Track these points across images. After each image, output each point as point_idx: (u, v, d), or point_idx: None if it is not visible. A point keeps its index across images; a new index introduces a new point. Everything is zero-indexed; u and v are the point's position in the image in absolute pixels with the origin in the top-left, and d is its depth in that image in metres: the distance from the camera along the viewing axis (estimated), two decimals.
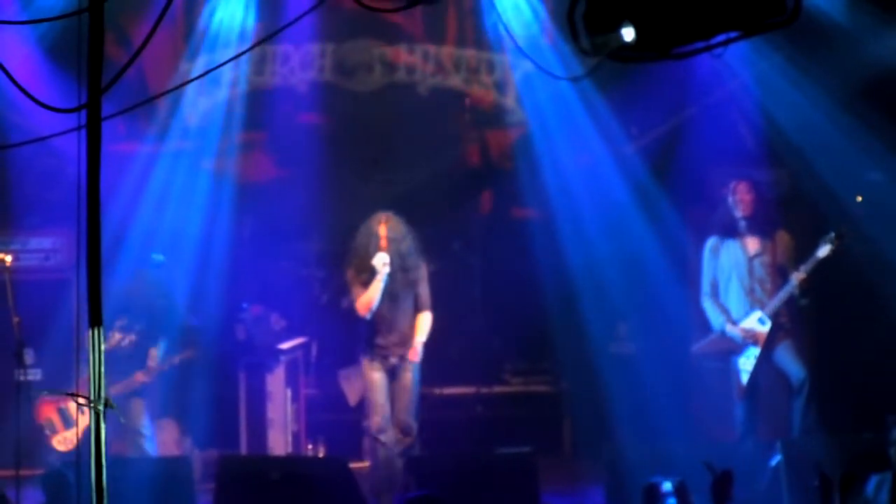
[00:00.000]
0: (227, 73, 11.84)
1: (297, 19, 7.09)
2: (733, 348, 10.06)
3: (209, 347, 11.08)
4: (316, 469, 9.39)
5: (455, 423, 11.68)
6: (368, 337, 9.88)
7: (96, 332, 4.08)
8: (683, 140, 11.68)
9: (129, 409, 9.94)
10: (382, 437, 9.80)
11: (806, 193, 11.34)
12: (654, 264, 11.35)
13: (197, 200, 11.67)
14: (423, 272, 9.99)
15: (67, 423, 10.01)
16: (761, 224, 10.15)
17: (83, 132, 4.21)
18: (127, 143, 11.61)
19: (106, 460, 4.05)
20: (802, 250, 10.01)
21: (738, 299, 10.12)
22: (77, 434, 9.56)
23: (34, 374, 10.39)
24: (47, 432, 10.09)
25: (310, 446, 11.29)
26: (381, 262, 9.67)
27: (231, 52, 11.55)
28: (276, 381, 11.13)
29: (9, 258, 9.45)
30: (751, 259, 10.11)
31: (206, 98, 12.07)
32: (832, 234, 9.76)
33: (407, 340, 9.85)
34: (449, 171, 12.64)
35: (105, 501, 4.01)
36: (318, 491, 8.73)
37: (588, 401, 11.37)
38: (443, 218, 12.33)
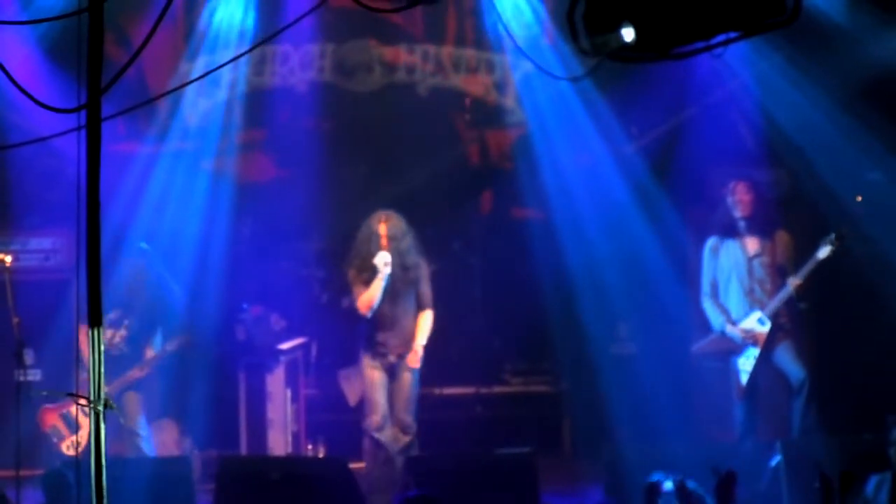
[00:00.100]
0: (226, 73, 11.83)
1: (297, 20, 7.10)
2: (733, 349, 10.06)
3: (204, 332, 11.11)
4: (316, 469, 9.39)
5: (455, 423, 11.68)
6: (369, 335, 9.91)
7: (96, 332, 4.08)
8: (683, 140, 11.67)
9: (123, 406, 9.94)
10: (381, 436, 9.83)
11: (806, 193, 11.33)
12: (653, 264, 11.35)
13: (197, 201, 11.66)
14: (423, 271, 10.02)
15: (72, 427, 10.00)
16: (761, 224, 10.15)
17: (83, 132, 4.21)
18: (127, 144, 11.61)
19: (106, 461, 4.05)
20: (802, 250, 10.01)
21: (738, 300, 10.12)
22: (84, 436, 9.56)
23: (34, 375, 10.38)
24: (55, 440, 10.09)
25: (310, 446, 11.28)
26: (382, 261, 9.71)
27: (231, 53, 11.55)
28: (276, 382, 11.12)
29: (9, 258, 9.45)
30: (750, 259, 10.11)
31: (206, 98, 12.06)
32: (832, 235, 9.75)
33: (407, 339, 9.88)
34: (449, 171, 12.63)
35: (105, 502, 4.01)
36: (317, 491, 8.73)
37: (588, 401, 11.37)
38: (443, 218, 12.33)
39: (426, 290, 9.99)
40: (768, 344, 9.94)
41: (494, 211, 12.93)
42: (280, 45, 12.17)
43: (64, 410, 10.11)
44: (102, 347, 4.09)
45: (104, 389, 4.10)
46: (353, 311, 10.09)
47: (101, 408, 4.06)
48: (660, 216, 11.45)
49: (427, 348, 9.96)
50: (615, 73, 10.06)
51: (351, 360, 10.89)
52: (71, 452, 9.89)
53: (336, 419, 11.55)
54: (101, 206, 4.12)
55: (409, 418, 9.92)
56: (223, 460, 9.34)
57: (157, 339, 10.23)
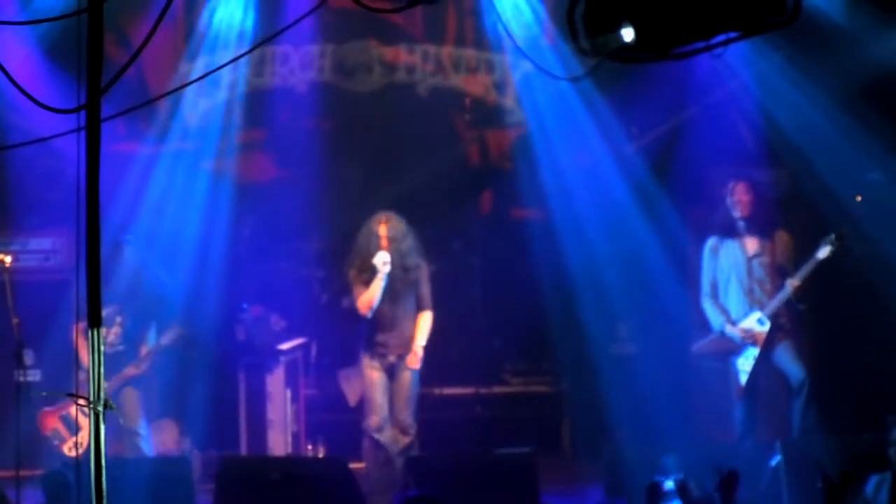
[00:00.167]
0: (226, 73, 11.83)
1: (297, 21, 7.10)
2: (732, 349, 10.06)
3: (204, 332, 11.13)
4: (316, 469, 9.39)
5: (455, 424, 11.68)
6: (369, 335, 9.93)
7: (96, 332, 4.08)
8: (683, 140, 11.67)
9: (122, 403, 9.95)
10: (380, 437, 9.84)
11: (806, 194, 11.33)
12: (653, 264, 11.34)
13: (197, 201, 11.66)
14: (423, 271, 10.03)
15: (72, 428, 10.00)
16: (760, 224, 10.15)
17: (83, 132, 4.21)
18: (127, 144, 11.61)
19: (105, 461, 4.05)
20: (802, 250, 10.01)
21: (738, 300, 10.12)
22: (85, 437, 9.56)
23: (34, 375, 10.38)
24: (56, 442, 10.09)
25: (309, 447, 11.28)
26: (382, 261, 9.72)
27: (231, 53, 11.55)
28: (275, 382, 11.12)
29: (8, 259, 9.45)
30: (750, 259, 10.11)
31: (206, 98, 12.07)
32: (832, 236, 9.75)
33: (407, 340, 9.89)
34: (448, 171, 12.63)
35: (105, 502, 4.01)
36: (317, 491, 8.73)
37: (588, 401, 11.37)
38: (443, 218, 12.34)
39: (426, 290, 10.01)
40: (768, 344, 9.95)
41: (494, 211, 12.93)
42: (280, 45, 12.17)
43: (63, 412, 10.10)
44: (102, 348, 4.09)
45: (104, 390, 4.10)
46: (353, 312, 10.10)
47: (100, 408, 4.06)
48: (660, 216, 11.45)
49: (427, 348, 9.97)
50: (615, 73, 10.05)
51: (351, 361, 10.89)
52: (73, 454, 9.89)
53: (336, 419, 11.56)
54: (100, 206, 4.12)
55: (408, 419, 9.93)
56: (223, 460, 9.34)
57: (152, 334, 10.23)
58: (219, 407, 11.14)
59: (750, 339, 9.97)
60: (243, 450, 10.98)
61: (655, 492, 7.38)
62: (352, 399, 11.52)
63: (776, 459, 8.99)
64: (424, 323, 9.97)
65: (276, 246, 12.40)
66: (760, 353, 9.93)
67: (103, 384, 4.10)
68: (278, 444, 11.01)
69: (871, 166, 11.21)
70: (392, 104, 12.46)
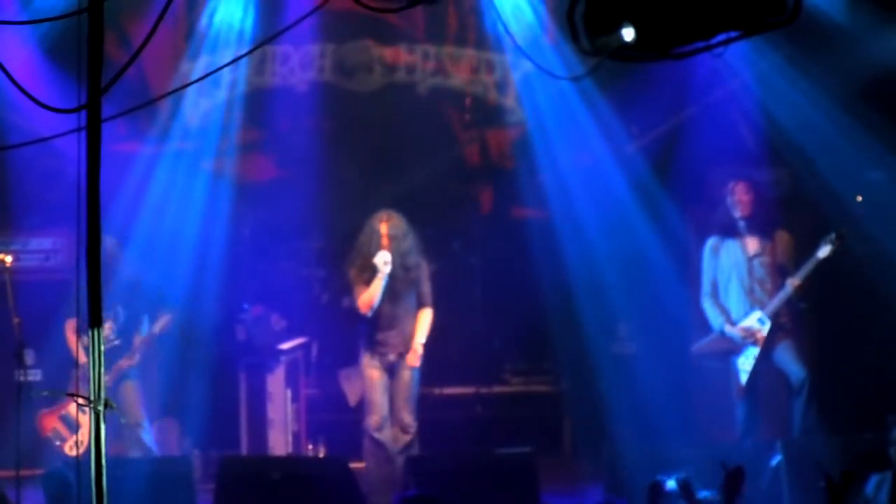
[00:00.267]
0: (227, 73, 11.83)
1: (298, 21, 7.11)
2: (733, 348, 10.06)
3: (205, 332, 11.14)
4: (316, 469, 9.40)
5: (455, 423, 11.68)
6: (369, 334, 9.94)
7: (96, 332, 4.08)
8: (684, 140, 11.67)
9: (121, 397, 9.96)
10: (381, 436, 9.84)
11: (806, 193, 11.33)
12: (654, 264, 11.35)
13: (197, 201, 11.66)
14: (424, 270, 10.04)
15: (72, 427, 10.00)
16: (761, 224, 10.15)
17: (83, 132, 4.21)
18: (128, 144, 11.61)
19: (106, 460, 4.05)
20: (803, 250, 10.01)
21: (738, 299, 10.12)
22: (85, 435, 9.56)
23: (34, 375, 10.38)
24: (57, 443, 10.09)
25: (310, 446, 11.28)
26: (383, 260, 9.73)
27: (232, 53, 11.55)
28: (276, 382, 11.13)
29: (9, 259, 9.45)
30: (750, 259, 10.10)
31: (207, 98, 12.07)
32: (832, 235, 9.75)
33: (408, 339, 9.90)
34: (449, 170, 12.64)
35: (105, 502, 4.01)
36: (318, 491, 8.73)
37: (588, 401, 11.36)
38: (443, 218, 12.34)
39: (426, 289, 10.02)
40: (768, 343, 9.94)
41: (495, 211, 12.93)
42: (280, 45, 12.17)
43: (63, 412, 10.10)
44: (102, 348, 4.09)
45: (104, 389, 4.10)
46: (353, 311, 10.10)
47: (100, 407, 4.06)
48: (660, 216, 11.46)
49: (427, 348, 9.97)
50: (615, 72, 10.06)
51: (351, 360, 10.88)
52: (74, 453, 9.89)
53: (336, 419, 11.56)
54: (101, 206, 4.12)
55: (409, 417, 9.93)
56: (224, 460, 9.33)
57: (145, 325, 10.23)
58: (219, 407, 11.15)
59: (750, 338, 9.97)
60: (244, 449, 10.98)
61: (657, 491, 7.37)
62: (352, 399, 11.53)
63: (777, 459, 8.99)
64: (424, 320, 9.99)
65: (276, 245, 12.40)
66: (761, 353, 9.93)
67: (104, 384, 4.10)
68: (279, 443, 11.01)
69: (871, 166, 11.21)
70: (392, 104, 12.46)
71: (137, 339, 10.15)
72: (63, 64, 9.93)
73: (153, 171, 11.56)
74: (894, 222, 10.85)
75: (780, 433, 10.06)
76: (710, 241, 10.27)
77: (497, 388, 12.48)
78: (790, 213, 10.87)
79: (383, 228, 9.85)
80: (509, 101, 12.44)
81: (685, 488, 7.12)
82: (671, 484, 7.21)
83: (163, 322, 10.17)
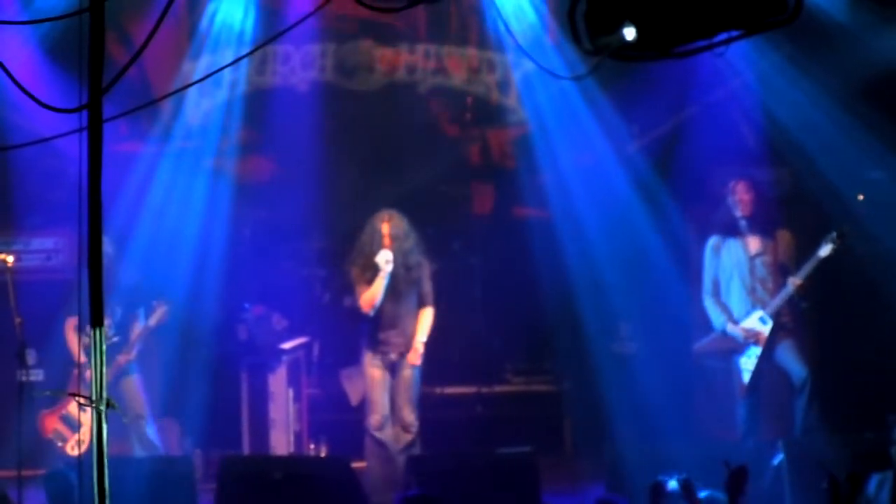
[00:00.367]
0: (228, 73, 11.83)
1: (300, 21, 7.10)
2: (735, 348, 10.06)
3: (206, 332, 11.14)
4: (318, 469, 9.39)
5: (456, 423, 11.67)
6: (371, 333, 9.95)
7: (98, 332, 4.08)
8: (685, 139, 11.66)
9: (123, 392, 9.97)
10: (382, 435, 9.85)
11: (808, 192, 11.32)
12: (655, 263, 11.34)
13: (198, 200, 11.67)
14: (425, 270, 10.05)
15: (73, 427, 10.00)
16: (762, 223, 10.15)
17: (85, 132, 4.21)
18: (129, 144, 11.61)
19: (108, 460, 4.05)
20: (804, 249, 10.01)
21: (740, 298, 10.12)
22: (86, 433, 9.57)
23: (36, 375, 10.39)
24: (58, 443, 10.09)
25: (312, 446, 11.28)
26: (384, 259, 9.75)
27: (233, 53, 11.55)
28: (278, 381, 11.12)
29: (11, 259, 9.46)
30: (752, 258, 10.11)
31: (208, 98, 12.07)
32: (834, 234, 9.76)
33: (409, 338, 9.91)
34: (450, 170, 12.63)
35: (107, 502, 4.01)
36: (320, 491, 8.74)
37: (589, 400, 11.36)
38: (444, 217, 12.34)
39: (427, 288, 10.03)
40: (770, 343, 9.95)
41: (496, 210, 12.92)
42: (281, 44, 12.16)
43: (63, 412, 10.11)
44: (104, 347, 4.09)
45: (105, 389, 4.10)
46: (354, 311, 10.11)
47: (102, 407, 4.06)
48: (661, 215, 11.45)
49: (428, 347, 9.98)
50: (616, 72, 10.06)
51: (353, 360, 10.88)
52: (76, 452, 9.89)
53: (338, 419, 11.56)
54: (102, 206, 4.12)
55: (410, 416, 9.94)
56: (225, 460, 9.33)
57: (141, 319, 10.23)
58: (221, 406, 11.15)
59: (752, 337, 9.97)
60: (245, 449, 10.98)
61: (658, 491, 7.36)
62: (354, 398, 11.52)
63: (778, 458, 8.99)
64: (426, 319, 10.00)
65: (277, 245, 12.40)
66: (762, 352, 9.94)
67: (105, 383, 4.10)
68: (280, 443, 11.01)
69: (872, 165, 11.21)
70: (393, 104, 12.47)
71: (134, 333, 10.16)
72: (64, 64, 9.93)
73: (154, 172, 11.56)
74: (895, 221, 10.85)
75: (782, 432, 10.06)
76: (712, 241, 10.27)
77: (498, 388, 12.47)
78: (791, 213, 10.87)
79: (385, 228, 9.86)
80: (510, 101, 12.44)
81: (686, 488, 7.11)
82: (672, 484, 7.21)
83: (159, 314, 10.17)
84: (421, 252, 10.04)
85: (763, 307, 9.99)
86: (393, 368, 9.96)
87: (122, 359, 10.06)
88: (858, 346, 11.07)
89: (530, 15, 11.76)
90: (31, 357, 9.68)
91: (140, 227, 10.99)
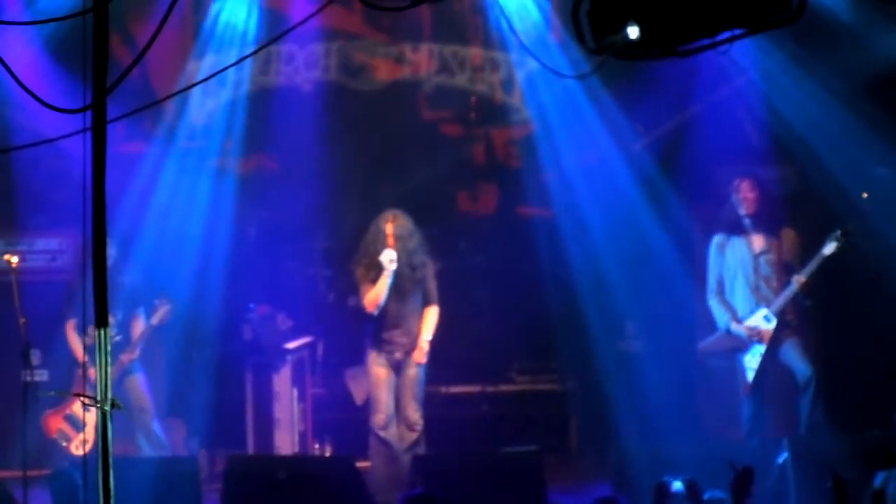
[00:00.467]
0: (231, 73, 11.83)
1: (304, 20, 7.09)
2: (739, 346, 10.06)
3: (211, 332, 11.15)
4: (323, 468, 9.39)
5: (461, 422, 11.68)
6: (375, 333, 9.96)
7: (102, 332, 4.09)
8: (689, 137, 11.66)
9: (125, 391, 9.97)
10: (386, 434, 9.86)
11: (812, 190, 11.31)
12: (660, 262, 11.34)
13: (202, 200, 11.67)
14: (430, 269, 10.07)
15: (77, 427, 10.01)
16: (766, 221, 10.14)
17: (89, 133, 4.21)
18: (132, 144, 11.61)
19: (113, 460, 4.06)
20: (809, 247, 10.00)
21: (744, 297, 10.11)
22: (91, 433, 9.57)
23: (41, 375, 10.41)
24: (63, 443, 10.10)
25: (317, 446, 11.30)
26: (388, 258, 9.76)
27: (236, 52, 11.55)
28: (282, 381, 11.13)
29: (15, 259, 9.47)
30: (756, 256, 10.10)
31: (212, 98, 12.07)
32: (838, 232, 9.75)
33: (414, 337, 9.91)
34: (454, 169, 12.62)
35: (112, 502, 4.02)
36: (325, 490, 8.74)
37: (594, 399, 11.36)
38: (448, 217, 12.34)
39: (432, 287, 10.04)
40: (774, 341, 9.94)
41: (500, 209, 12.91)
42: (285, 44, 12.16)
43: (67, 412, 10.12)
44: (109, 348, 4.10)
45: (110, 389, 4.11)
46: (359, 310, 10.11)
47: (107, 407, 4.07)
48: (666, 213, 11.45)
49: (433, 347, 9.98)
50: (620, 70, 10.04)
51: (357, 359, 10.89)
52: (80, 452, 9.90)
53: (343, 418, 11.56)
54: (107, 206, 4.12)
55: (415, 415, 9.94)
56: (230, 460, 9.34)
57: (142, 318, 10.23)
58: (226, 406, 11.16)
59: (756, 336, 9.97)
60: (250, 449, 10.98)
61: (663, 492, 7.36)
62: (358, 398, 11.52)
63: (783, 456, 8.99)
64: (430, 318, 10.01)
65: (281, 245, 12.41)
66: (767, 351, 9.93)
67: (110, 383, 4.11)
68: (285, 443, 11.02)
69: (876, 162, 11.21)
70: (397, 103, 12.47)
71: (136, 333, 10.16)
72: (68, 64, 9.94)
73: (158, 172, 11.57)
74: None
75: (787, 431, 10.05)
76: (716, 239, 10.26)
77: (503, 387, 12.46)
78: (796, 211, 10.85)
79: (389, 228, 9.87)
80: (514, 100, 12.43)
81: (692, 490, 7.11)
82: (678, 485, 7.20)
83: (161, 313, 10.18)
84: (425, 252, 10.05)
85: (767, 305, 9.98)
86: (398, 367, 9.96)
87: (125, 358, 10.06)
88: (863, 344, 11.06)
89: (534, 14, 11.76)
90: (35, 357, 9.69)
91: (144, 227, 11.00)
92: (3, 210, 11.39)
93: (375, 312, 9.88)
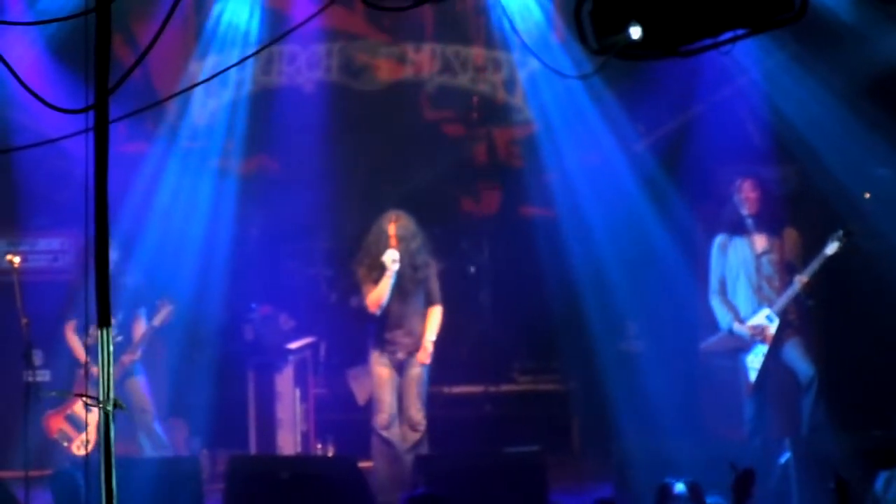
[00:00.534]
0: (234, 73, 11.84)
1: (306, 20, 7.10)
2: (741, 346, 10.05)
3: (213, 332, 11.15)
4: (325, 468, 9.40)
5: (463, 422, 11.67)
6: (378, 333, 9.96)
7: (105, 332, 4.09)
8: (691, 137, 11.66)
9: (126, 392, 9.97)
10: (389, 434, 9.85)
11: (814, 190, 11.31)
12: (662, 262, 11.34)
13: (204, 200, 11.67)
14: (432, 269, 10.07)
15: (78, 427, 10.01)
16: (768, 221, 10.14)
17: (91, 133, 4.21)
18: (133, 144, 11.61)
19: (115, 461, 4.06)
20: (811, 247, 10.00)
21: (746, 297, 10.11)
22: (92, 433, 9.57)
23: (43, 376, 10.42)
24: (64, 443, 10.09)
25: (319, 446, 11.29)
26: (391, 258, 9.76)
27: (239, 53, 11.56)
28: (285, 381, 11.13)
29: (17, 259, 9.47)
30: (758, 256, 10.10)
31: (214, 98, 12.07)
32: (840, 232, 9.74)
33: (417, 337, 9.91)
34: (457, 169, 12.62)
35: (114, 502, 4.02)
36: (327, 490, 8.74)
37: (596, 399, 11.35)
38: (451, 217, 12.34)
39: (435, 286, 10.04)
40: (777, 341, 9.93)
41: (502, 210, 12.91)
42: (287, 44, 12.17)
43: (68, 412, 10.11)
44: (111, 348, 4.10)
45: (112, 389, 4.11)
46: (361, 311, 10.10)
47: (110, 407, 4.07)
48: (668, 213, 11.44)
49: (436, 347, 9.98)
50: (623, 70, 10.04)
51: (360, 360, 10.90)
52: (82, 452, 9.90)
53: (345, 418, 11.56)
54: (109, 206, 4.13)
55: (418, 415, 9.94)
56: (232, 460, 9.34)
57: (143, 319, 10.23)
58: (228, 406, 11.16)
59: (759, 336, 9.96)
60: (253, 449, 10.98)
61: (666, 493, 7.36)
62: (361, 398, 11.53)
63: (786, 456, 8.98)
64: (434, 317, 10.01)
65: (283, 245, 12.41)
66: (769, 351, 9.92)
67: (113, 384, 4.11)
68: (287, 443, 11.02)
69: (878, 162, 11.20)
70: (399, 103, 12.47)
71: (138, 333, 10.16)
72: (70, 64, 9.95)
73: (160, 172, 11.57)
74: None
75: (789, 431, 10.04)
76: (719, 239, 10.26)
77: (505, 387, 12.47)
78: (798, 211, 10.85)
79: (392, 229, 9.86)
80: (517, 100, 12.43)
81: (694, 492, 7.10)
82: (680, 487, 7.19)
83: (163, 314, 10.17)
84: (427, 252, 10.04)
85: (770, 305, 9.97)
86: (400, 368, 9.96)
87: (126, 359, 10.06)
88: (865, 344, 11.05)
89: (536, 14, 11.76)
90: (37, 358, 9.69)
91: (146, 227, 11.00)
92: (5, 210, 11.39)
93: (378, 313, 9.88)
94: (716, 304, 10.21)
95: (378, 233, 9.94)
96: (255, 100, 12.14)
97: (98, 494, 4.04)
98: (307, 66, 12.32)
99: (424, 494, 7.72)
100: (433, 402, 10.39)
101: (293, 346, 11.35)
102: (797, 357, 10.00)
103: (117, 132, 10.99)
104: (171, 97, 11.02)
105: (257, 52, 11.78)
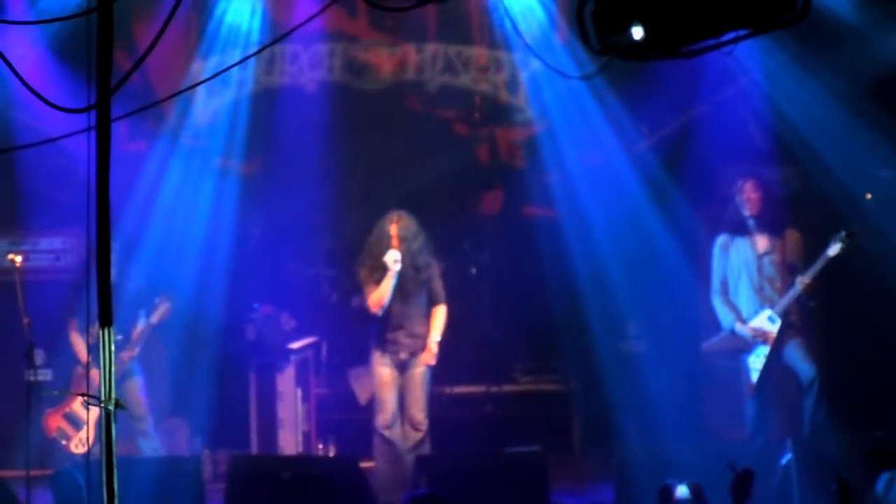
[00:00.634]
0: (236, 72, 11.84)
1: (308, 20, 7.11)
2: (743, 347, 10.05)
3: (214, 332, 11.15)
4: (326, 468, 9.40)
5: (465, 422, 11.67)
6: (380, 333, 9.95)
7: (106, 332, 4.09)
8: (693, 138, 11.66)
9: (124, 394, 9.95)
10: (390, 434, 9.85)
11: (816, 191, 11.32)
12: (663, 262, 11.34)
13: (206, 200, 11.68)
14: (434, 270, 10.06)
15: (77, 425, 10.01)
16: (770, 222, 10.14)
17: (93, 132, 4.21)
18: (135, 144, 11.62)
19: (116, 461, 4.06)
20: (812, 248, 10.00)
21: (748, 297, 10.10)
22: (89, 432, 9.57)
23: (44, 375, 10.41)
24: (63, 442, 10.08)
25: (320, 446, 11.29)
26: (392, 259, 9.75)
27: (241, 52, 11.56)
28: (286, 381, 11.13)
29: (19, 259, 9.48)
30: (760, 257, 10.09)
31: (216, 97, 12.07)
32: (842, 233, 9.74)
33: (419, 337, 9.91)
34: (458, 169, 12.62)
35: (115, 502, 4.01)
36: (328, 490, 8.74)
37: (597, 399, 11.35)
38: (452, 217, 12.34)
39: (438, 286, 10.03)
40: (778, 342, 9.93)
41: (504, 210, 12.92)
42: (289, 44, 12.17)
43: (67, 410, 10.10)
44: (113, 347, 4.10)
45: (114, 389, 4.11)
46: (363, 311, 10.10)
47: (111, 407, 4.06)
48: (670, 214, 11.45)
49: (438, 346, 9.97)
50: (625, 71, 10.04)
51: (361, 360, 10.90)
52: (80, 450, 9.89)
53: (347, 418, 11.56)
54: (111, 206, 4.13)
55: (420, 415, 9.93)
56: (234, 460, 9.34)
57: (142, 317, 10.22)
58: (229, 406, 11.16)
59: (760, 337, 9.96)
60: (254, 449, 10.99)
61: (667, 495, 7.36)
62: (362, 398, 11.53)
63: (787, 457, 8.98)
64: (439, 318, 10.01)
65: (285, 245, 12.41)
66: (771, 351, 9.92)
67: (114, 383, 4.11)
68: (289, 443, 11.02)
69: (880, 163, 11.20)
70: (401, 103, 12.47)
71: (136, 331, 10.15)
72: (72, 64, 9.95)
73: (162, 171, 11.57)
74: None
75: (791, 431, 10.04)
76: (720, 239, 10.26)
77: (507, 387, 12.47)
78: (800, 211, 10.86)
79: (393, 230, 9.86)
80: (519, 100, 12.44)
81: (697, 494, 7.10)
82: (682, 489, 7.19)
83: (161, 311, 10.15)
84: (430, 252, 10.04)
85: (771, 306, 9.97)
86: (402, 368, 9.95)
87: (125, 356, 10.05)
88: (867, 345, 11.05)
89: (539, 14, 11.76)
90: (39, 357, 9.69)
91: (148, 226, 11.00)
92: (7, 209, 11.39)
93: (380, 313, 9.88)
94: (718, 304, 10.21)
95: (380, 233, 9.94)
96: (257, 100, 12.15)
97: (99, 494, 4.04)
98: (309, 66, 12.32)
99: (426, 494, 7.73)
100: (435, 402, 10.39)
101: (295, 345, 11.35)
102: (799, 358, 10.00)
103: (119, 132, 11.01)
104: (172, 96, 11.02)
105: (259, 52, 11.79)
